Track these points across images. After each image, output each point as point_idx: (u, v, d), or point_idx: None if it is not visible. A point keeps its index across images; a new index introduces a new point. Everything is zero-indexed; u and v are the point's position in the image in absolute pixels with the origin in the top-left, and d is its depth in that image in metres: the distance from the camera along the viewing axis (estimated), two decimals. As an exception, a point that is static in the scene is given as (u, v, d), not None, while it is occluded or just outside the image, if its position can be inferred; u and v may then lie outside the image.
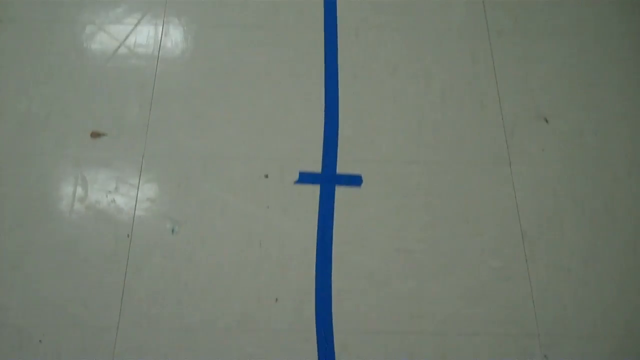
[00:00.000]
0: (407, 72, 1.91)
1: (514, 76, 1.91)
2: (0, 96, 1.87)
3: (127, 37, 1.97)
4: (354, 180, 1.76)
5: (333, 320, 1.60)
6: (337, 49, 1.93)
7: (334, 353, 1.57)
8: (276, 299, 1.62)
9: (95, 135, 1.82)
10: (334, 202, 1.73)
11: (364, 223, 1.71)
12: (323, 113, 1.85)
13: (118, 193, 1.74)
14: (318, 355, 1.56)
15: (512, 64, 1.93)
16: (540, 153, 1.80)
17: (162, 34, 1.98)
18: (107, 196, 1.73)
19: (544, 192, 1.75)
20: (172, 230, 1.70)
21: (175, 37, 1.98)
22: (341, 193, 1.74)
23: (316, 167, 1.78)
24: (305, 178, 1.76)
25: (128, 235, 1.68)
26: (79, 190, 1.74)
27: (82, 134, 1.81)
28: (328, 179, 1.76)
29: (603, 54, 1.96)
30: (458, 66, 1.92)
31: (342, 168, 1.77)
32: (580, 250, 1.69)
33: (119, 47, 1.95)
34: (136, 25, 1.99)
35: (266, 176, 1.76)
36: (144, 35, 1.98)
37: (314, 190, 1.74)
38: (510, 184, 1.75)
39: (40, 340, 1.56)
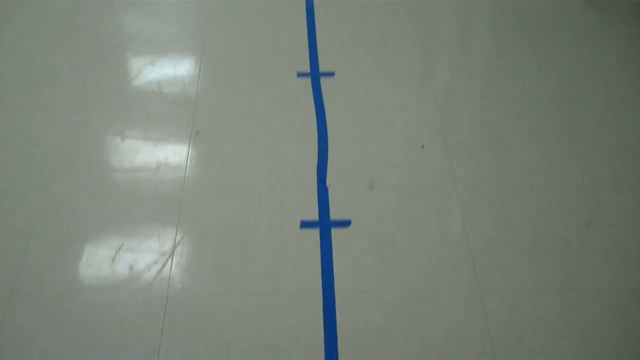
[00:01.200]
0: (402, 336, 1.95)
1: (508, 335, 1.93)
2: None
3: (133, 279, 2.09)
4: None
5: None
6: (335, 311, 1.99)
7: None
8: None
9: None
10: None
11: None
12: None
13: None
14: None
15: (505, 324, 1.96)
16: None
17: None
18: None
19: None
20: None
21: (179, 309, 2.00)
22: None
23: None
24: None
25: None
26: None
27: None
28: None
29: (590, 308, 2.01)
30: (452, 328, 1.96)
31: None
32: None
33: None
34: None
35: None
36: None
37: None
38: None
39: None
